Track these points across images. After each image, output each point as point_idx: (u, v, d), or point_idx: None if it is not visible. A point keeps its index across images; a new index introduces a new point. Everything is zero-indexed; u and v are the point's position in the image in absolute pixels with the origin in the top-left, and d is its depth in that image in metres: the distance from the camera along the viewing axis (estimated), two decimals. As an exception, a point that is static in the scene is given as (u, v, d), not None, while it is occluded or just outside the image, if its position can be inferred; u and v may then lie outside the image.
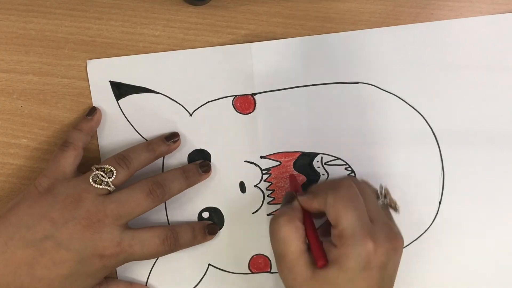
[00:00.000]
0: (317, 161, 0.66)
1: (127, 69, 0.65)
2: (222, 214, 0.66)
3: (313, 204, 0.58)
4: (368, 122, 0.65)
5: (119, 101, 0.65)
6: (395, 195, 0.63)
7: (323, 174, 0.66)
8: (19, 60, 0.64)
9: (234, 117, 0.65)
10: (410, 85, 0.65)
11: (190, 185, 0.63)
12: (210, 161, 0.65)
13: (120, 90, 0.65)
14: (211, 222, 0.66)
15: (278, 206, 0.66)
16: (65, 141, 0.62)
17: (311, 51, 0.65)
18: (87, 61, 0.65)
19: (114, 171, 0.59)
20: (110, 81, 0.65)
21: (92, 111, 0.64)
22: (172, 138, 0.64)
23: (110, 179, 0.59)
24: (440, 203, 0.66)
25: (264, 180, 0.66)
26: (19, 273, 0.56)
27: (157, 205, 0.61)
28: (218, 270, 0.66)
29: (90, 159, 0.65)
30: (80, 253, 0.57)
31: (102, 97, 0.65)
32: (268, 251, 0.66)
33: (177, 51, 0.65)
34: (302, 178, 0.66)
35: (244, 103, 0.65)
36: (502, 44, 0.65)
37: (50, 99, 0.65)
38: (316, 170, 0.66)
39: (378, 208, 0.58)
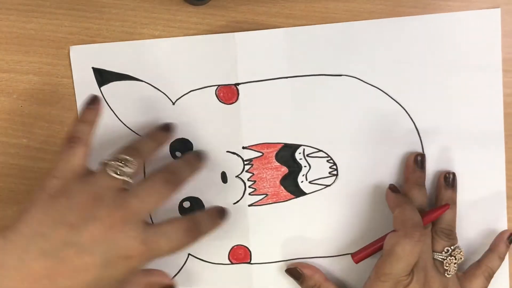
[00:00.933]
0: (299, 153, 0.66)
1: (110, 56, 0.65)
2: (203, 204, 0.66)
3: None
4: (351, 115, 0.66)
5: (101, 88, 0.65)
6: (376, 187, 0.66)
7: (305, 166, 0.66)
8: (19, 60, 0.65)
9: (217, 107, 0.66)
10: (393, 79, 0.65)
11: (193, 172, 0.62)
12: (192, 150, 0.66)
13: (103, 77, 0.65)
14: (220, 206, 0.63)
15: (259, 197, 0.66)
16: (71, 136, 0.58)
17: (296, 42, 0.65)
18: (70, 47, 0.65)
19: (129, 159, 0.56)
20: (92, 68, 0.65)
21: (94, 99, 0.60)
22: (168, 127, 0.64)
23: (126, 168, 0.56)
24: None
25: (246, 171, 0.66)
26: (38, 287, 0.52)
27: (173, 195, 0.58)
28: (197, 260, 0.67)
29: None
30: (104, 256, 0.53)
31: (85, 83, 0.65)
32: (248, 242, 0.67)
33: (160, 39, 0.65)
34: (283, 170, 0.66)
35: (227, 93, 0.65)
36: (488, 39, 0.65)
37: (50, 99, 0.65)
38: (298, 162, 0.66)
39: (428, 259, 0.62)
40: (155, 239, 0.55)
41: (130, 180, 0.56)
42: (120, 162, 0.56)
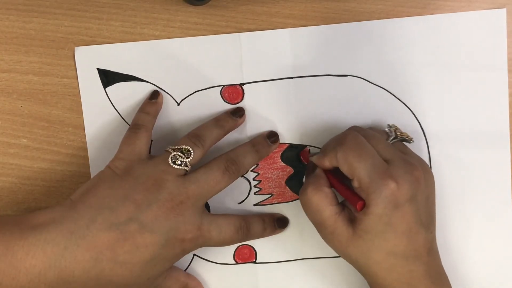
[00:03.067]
0: (305, 153, 0.66)
1: (115, 56, 0.65)
2: (207, 203, 0.66)
3: (325, 162, 0.59)
4: (357, 115, 0.66)
5: (106, 89, 0.65)
6: None
7: None
8: (19, 60, 0.65)
9: (222, 107, 0.65)
10: (399, 80, 0.65)
11: (261, 157, 0.64)
12: None
13: (108, 77, 0.65)
14: (281, 215, 0.66)
15: (265, 196, 0.66)
16: (134, 124, 0.62)
17: (301, 42, 0.65)
18: (75, 48, 0.65)
19: (192, 151, 0.59)
20: (98, 69, 0.65)
21: (155, 94, 0.64)
22: (238, 112, 0.64)
23: (188, 159, 0.59)
24: None
25: (251, 171, 0.66)
26: (100, 258, 0.54)
27: (232, 182, 0.61)
28: (203, 260, 0.67)
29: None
30: (164, 237, 0.56)
31: (90, 84, 0.65)
32: (253, 242, 0.66)
33: (165, 40, 0.65)
34: (289, 170, 0.66)
35: (233, 93, 0.65)
36: (494, 39, 0.65)
37: (50, 99, 0.65)
38: (304, 162, 0.66)
39: (389, 147, 0.59)
40: (209, 228, 0.59)
41: (187, 169, 0.59)
42: (181, 152, 0.59)
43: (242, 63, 0.65)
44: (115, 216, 0.55)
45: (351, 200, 0.57)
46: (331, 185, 0.59)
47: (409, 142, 0.62)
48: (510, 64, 0.65)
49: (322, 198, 0.58)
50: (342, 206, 0.58)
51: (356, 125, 0.63)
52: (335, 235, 0.57)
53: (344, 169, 0.57)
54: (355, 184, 0.56)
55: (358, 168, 0.56)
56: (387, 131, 0.62)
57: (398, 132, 0.62)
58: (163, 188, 0.57)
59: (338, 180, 0.59)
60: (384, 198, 0.54)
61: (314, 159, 0.60)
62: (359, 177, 0.56)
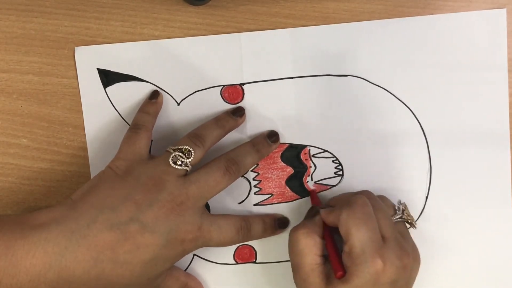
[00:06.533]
0: (305, 153, 0.66)
1: (115, 56, 0.65)
2: (208, 203, 0.66)
3: (329, 218, 0.59)
4: (357, 115, 0.65)
5: (106, 89, 0.65)
6: (382, 187, 0.65)
7: (311, 167, 0.66)
8: (19, 60, 0.65)
9: (222, 107, 0.65)
10: (399, 80, 0.65)
11: (261, 157, 0.64)
12: None
13: (108, 77, 0.65)
14: (282, 215, 0.66)
15: (265, 196, 0.66)
16: (135, 124, 0.62)
17: (301, 42, 0.65)
18: (75, 48, 0.65)
19: (192, 151, 0.59)
20: (98, 69, 0.65)
21: (155, 94, 0.64)
22: (238, 112, 0.64)
23: (189, 160, 0.59)
24: (427, 197, 0.66)
25: (251, 171, 0.66)
26: (101, 258, 0.54)
27: (233, 182, 0.60)
28: (203, 260, 0.67)
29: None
30: (164, 237, 0.56)
31: (90, 84, 0.65)
32: (253, 242, 0.66)
33: (165, 40, 0.65)
34: (289, 170, 0.66)
35: (233, 93, 0.65)
36: (494, 39, 0.65)
37: (50, 99, 0.65)
38: (304, 162, 0.66)
39: (391, 225, 0.58)
40: (209, 229, 0.59)
41: (187, 169, 0.59)
42: (182, 153, 0.59)
43: (242, 63, 0.65)
44: (116, 216, 0.55)
45: (334, 265, 0.57)
46: (323, 237, 0.59)
47: (413, 227, 0.62)
48: (510, 64, 0.65)
49: (310, 244, 0.58)
50: (325, 259, 0.58)
51: (368, 191, 0.63)
52: (306, 283, 0.57)
53: (342, 231, 0.57)
54: (346, 249, 0.56)
55: (355, 236, 0.55)
56: (396, 208, 0.62)
57: (406, 213, 0.61)
58: (163, 188, 0.57)
59: (332, 238, 0.59)
60: (367, 274, 0.54)
61: (322, 211, 0.60)
62: (353, 244, 0.55)
